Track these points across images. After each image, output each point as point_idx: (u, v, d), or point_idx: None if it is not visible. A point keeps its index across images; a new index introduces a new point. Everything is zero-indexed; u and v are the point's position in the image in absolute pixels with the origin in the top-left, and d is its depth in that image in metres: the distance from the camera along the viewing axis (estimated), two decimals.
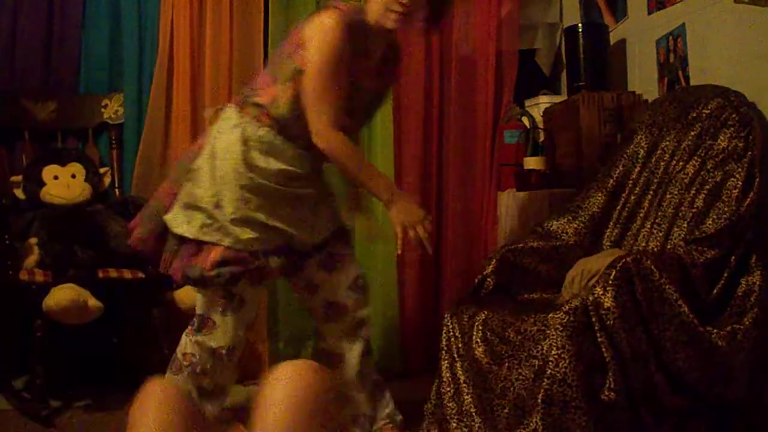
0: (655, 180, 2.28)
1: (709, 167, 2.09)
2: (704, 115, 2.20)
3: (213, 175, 2.03)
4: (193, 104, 3.25)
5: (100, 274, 2.68)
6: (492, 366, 1.87)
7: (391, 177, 3.15)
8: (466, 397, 1.95)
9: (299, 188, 2.10)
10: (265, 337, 3.23)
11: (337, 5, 2.02)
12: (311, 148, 2.07)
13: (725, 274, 1.88)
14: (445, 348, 2.05)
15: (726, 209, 1.94)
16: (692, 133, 2.21)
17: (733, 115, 2.11)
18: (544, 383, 1.68)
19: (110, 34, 3.29)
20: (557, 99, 3.33)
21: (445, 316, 2.09)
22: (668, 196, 2.20)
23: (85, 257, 2.73)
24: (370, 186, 2.07)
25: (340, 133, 2.00)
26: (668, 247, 2.03)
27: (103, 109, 3.25)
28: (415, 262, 3.30)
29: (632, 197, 2.33)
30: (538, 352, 1.74)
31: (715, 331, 1.79)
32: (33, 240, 2.80)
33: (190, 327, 2.16)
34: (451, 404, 1.98)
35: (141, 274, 2.78)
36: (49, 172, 3.02)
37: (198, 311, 2.14)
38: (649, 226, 2.22)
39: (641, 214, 2.28)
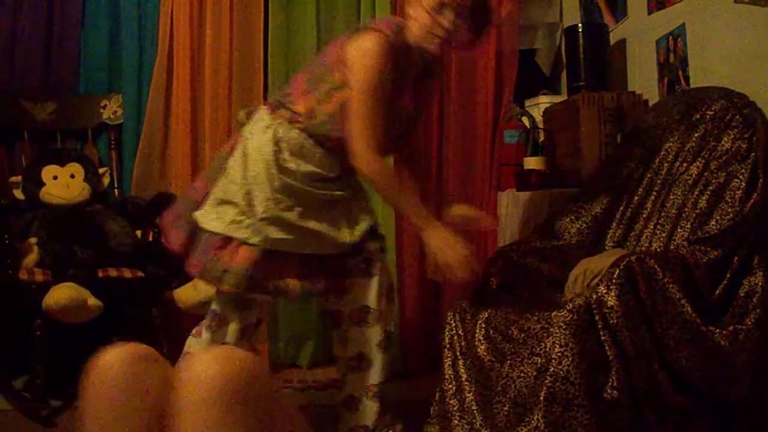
0: (659, 181, 2.28)
1: (712, 168, 2.09)
2: (708, 116, 2.20)
3: (245, 174, 2.04)
4: (193, 104, 3.25)
5: (100, 274, 2.68)
6: (494, 364, 1.87)
7: None
8: (467, 395, 1.95)
9: (330, 190, 2.10)
10: (265, 337, 3.23)
11: (380, 27, 2.01)
12: (341, 153, 2.07)
13: (728, 275, 1.88)
14: (448, 346, 2.05)
15: (729, 210, 1.95)
16: (696, 135, 2.21)
17: (737, 117, 2.12)
18: (547, 381, 1.68)
19: (110, 34, 3.29)
20: (557, 99, 3.33)
21: (448, 314, 2.09)
22: (672, 196, 2.20)
23: (85, 257, 2.73)
24: (408, 214, 2.05)
25: (381, 159, 2.00)
26: (671, 247, 2.03)
27: (102, 110, 3.25)
28: (414, 263, 3.30)
29: (635, 198, 2.33)
30: (541, 349, 1.74)
31: (717, 331, 1.80)
32: (33, 240, 2.79)
33: (198, 327, 2.15)
34: (452, 402, 1.98)
35: (141, 274, 2.78)
36: (48, 172, 3.02)
37: (212, 307, 2.14)
38: (652, 226, 2.22)
39: (644, 215, 2.28)
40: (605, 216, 2.37)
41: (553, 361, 1.69)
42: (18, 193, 3.03)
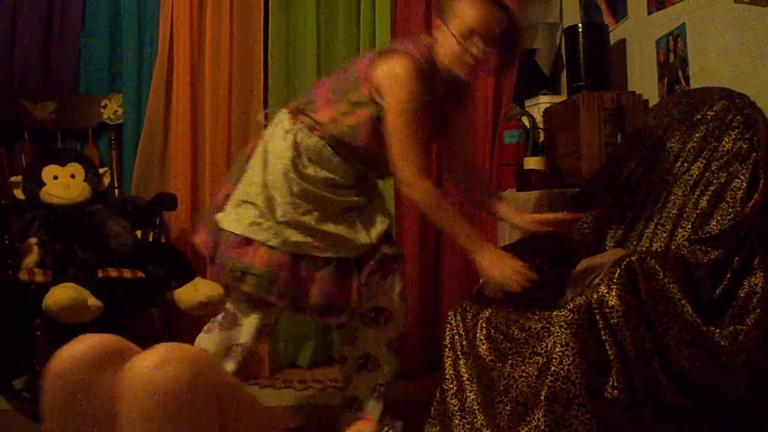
0: (660, 181, 2.28)
1: (713, 169, 2.09)
2: (709, 116, 2.20)
3: (265, 177, 2.05)
4: (193, 104, 3.26)
5: (100, 274, 2.68)
6: (496, 363, 1.86)
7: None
8: (469, 394, 1.94)
9: (346, 196, 2.11)
10: (265, 337, 3.23)
11: (407, 48, 2.01)
12: (358, 162, 2.10)
13: (728, 275, 1.88)
14: (449, 345, 2.05)
15: (730, 210, 1.95)
16: (697, 135, 2.21)
17: (738, 117, 2.12)
18: (548, 380, 1.68)
19: (110, 34, 3.29)
20: (557, 99, 3.33)
21: (449, 314, 2.09)
22: (672, 197, 2.20)
23: (85, 257, 2.73)
24: (457, 236, 2.02)
25: (429, 183, 1.99)
26: (672, 247, 2.02)
27: (102, 110, 3.25)
28: (414, 263, 3.30)
29: (636, 198, 2.33)
30: (542, 349, 1.74)
31: (717, 331, 1.80)
32: (33, 240, 2.79)
33: (210, 324, 2.15)
34: (453, 401, 1.98)
35: (140, 274, 2.77)
36: (48, 172, 3.02)
37: (227, 306, 2.15)
38: (653, 226, 2.22)
39: (645, 215, 2.28)
40: (606, 216, 2.37)
41: (554, 360, 1.69)
42: (18, 193, 3.03)
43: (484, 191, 2.31)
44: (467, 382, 1.96)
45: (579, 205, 2.43)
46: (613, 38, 3.26)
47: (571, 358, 1.68)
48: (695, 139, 2.21)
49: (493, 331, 1.91)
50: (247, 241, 2.03)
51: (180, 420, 1.15)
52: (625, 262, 1.75)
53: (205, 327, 2.18)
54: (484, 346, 1.91)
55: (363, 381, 2.28)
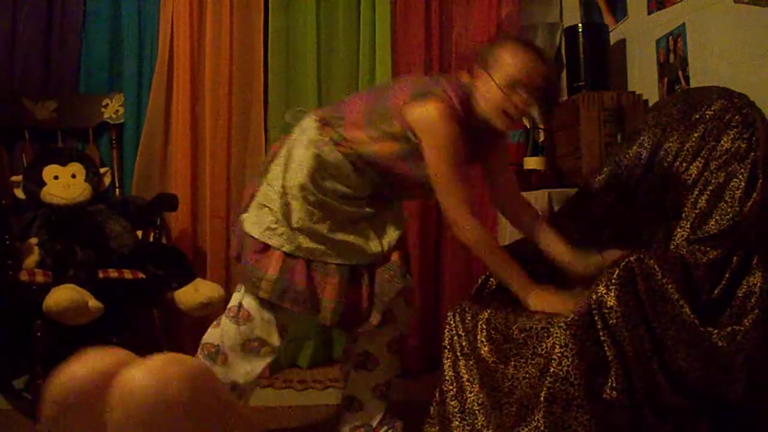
0: (658, 181, 2.28)
1: (712, 168, 2.09)
2: (707, 116, 2.20)
3: (284, 183, 2.05)
4: (193, 104, 3.26)
5: (100, 274, 2.68)
6: (498, 365, 1.86)
7: None
8: (469, 395, 1.94)
9: (360, 207, 2.12)
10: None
11: (445, 90, 1.99)
12: (377, 180, 2.10)
13: (727, 275, 1.88)
14: (448, 347, 2.04)
15: (729, 210, 1.94)
16: (695, 135, 2.21)
17: (736, 117, 2.11)
18: (547, 381, 1.68)
19: (110, 34, 3.29)
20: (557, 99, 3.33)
21: (448, 314, 2.08)
22: (671, 196, 2.20)
23: (85, 257, 2.73)
24: (505, 277, 1.99)
25: (478, 225, 1.98)
26: (671, 247, 2.02)
27: (103, 109, 3.26)
28: (415, 263, 3.30)
29: (635, 198, 2.33)
30: (542, 350, 1.74)
31: (715, 331, 1.80)
32: (33, 240, 2.79)
33: (225, 317, 2.14)
34: (453, 403, 1.98)
35: (141, 274, 2.78)
36: (49, 172, 3.02)
37: (235, 302, 2.13)
38: (651, 226, 2.22)
39: (644, 215, 2.28)
40: (605, 216, 2.37)
41: (553, 361, 1.69)
42: (19, 193, 3.03)
43: (531, 224, 2.24)
44: (467, 383, 1.96)
45: (577, 205, 2.43)
46: (613, 38, 3.26)
47: (570, 359, 1.68)
48: (694, 139, 2.21)
49: (493, 333, 1.91)
50: (265, 246, 2.04)
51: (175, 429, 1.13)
52: (623, 263, 1.75)
53: (215, 321, 2.18)
54: (486, 348, 1.91)
55: (361, 379, 2.29)
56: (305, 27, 3.35)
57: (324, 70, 3.38)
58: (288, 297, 2.02)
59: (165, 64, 3.25)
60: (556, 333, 1.72)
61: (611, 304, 1.71)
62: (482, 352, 1.92)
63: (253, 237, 2.06)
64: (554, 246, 2.15)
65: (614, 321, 1.70)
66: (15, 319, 2.68)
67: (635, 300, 1.73)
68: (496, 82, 1.95)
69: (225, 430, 1.22)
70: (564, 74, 3.56)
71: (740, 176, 1.97)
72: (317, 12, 3.36)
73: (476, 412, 1.91)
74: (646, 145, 2.38)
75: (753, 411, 1.91)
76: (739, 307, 1.85)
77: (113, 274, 2.72)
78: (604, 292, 1.73)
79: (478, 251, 2.00)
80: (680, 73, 2.81)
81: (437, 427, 2.03)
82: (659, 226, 2.20)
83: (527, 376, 1.76)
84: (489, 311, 1.97)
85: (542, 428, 1.67)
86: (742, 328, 1.81)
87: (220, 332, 2.12)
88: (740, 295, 1.87)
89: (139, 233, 3.07)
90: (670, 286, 1.76)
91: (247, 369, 2.10)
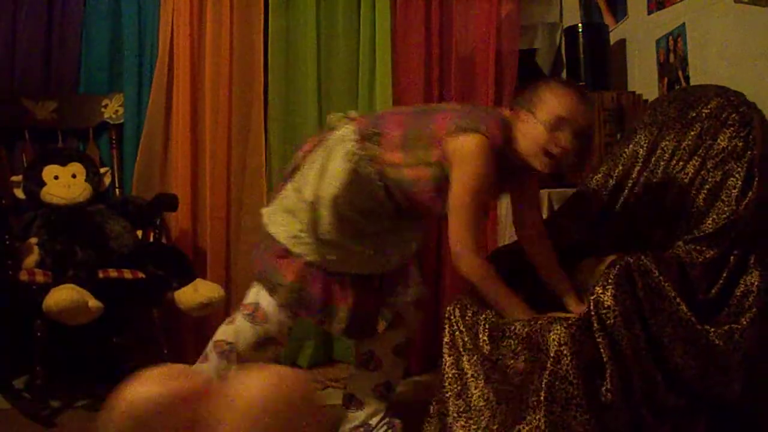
0: (655, 180, 2.28)
1: (709, 167, 2.09)
2: (704, 114, 2.20)
3: (317, 193, 2.04)
4: (193, 104, 3.26)
5: (100, 274, 2.68)
6: (501, 362, 1.86)
7: None
8: (474, 391, 1.93)
9: (382, 222, 2.12)
10: None
11: (491, 129, 1.97)
12: (403, 203, 2.09)
13: (724, 274, 1.88)
14: (450, 343, 2.03)
15: (726, 209, 1.94)
16: (692, 133, 2.21)
17: (733, 115, 2.11)
18: (546, 380, 1.68)
19: (110, 34, 3.29)
20: None
21: (448, 309, 2.07)
22: (668, 195, 2.20)
23: (85, 257, 2.73)
24: (504, 310, 1.97)
25: (483, 260, 1.99)
26: (669, 246, 2.02)
27: (103, 109, 3.25)
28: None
29: (632, 197, 2.33)
30: (543, 347, 1.74)
31: (712, 330, 1.80)
32: (33, 240, 2.79)
33: (239, 314, 2.15)
34: (458, 402, 1.96)
35: (141, 274, 2.77)
36: (49, 172, 3.02)
37: (251, 300, 2.13)
38: (649, 225, 2.22)
39: (641, 214, 2.28)
40: (603, 215, 2.37)
41: (552, 359, 1.69)
42: (19, 193, 3.03)
43: (545, 266, 2.20)
44: (471, 379, 1.95)
45: (573, 204, 2.44)
46: (613, 38, 3.26)
47: (569, 359, 1.68)
48: (690, 137, 2.21)
49: (495, 331, 1.91)
50: (287, 252, 2.05)
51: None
52: (621, 263, 1.76)
53: (228, 318, 2.19)
54: (488, 346, 1.91)
55: (363, 379, 2.29)
56: (305, 27, 3.34)
57: (324, 70, 3.38)
58: (304, 305, 2.04)
59: (165, 64, 3.25)
60: (556, 331, 1.72)
61: (608, 303, 1.71)
62: (485, 349, 1.92)
63: (276, 240, 2.06)
64: (559, 289, 2.14)
65: (611, 321, 1.70)
66: (15, 319, 2.68)
67: (632, 299, 1.73)
68: (538, 118, 1.93)
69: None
70: (564, 74, 3.57)
71: (737, 175, 1.97)
72: (317, 12, 3.36)
73: (482, 408, 1.91)
74: (642, 143, 2.38)
75: (752, 411, 1.91)
76: (736, 306, 1.85)
77: (113, 274, 2.72)
78: (600, 292, 1.73)
79: (477, 284, 1.99)
80: (680, 73, 2.81)
81: (437, 426, 2.03)
82: (657, 225, 2.20)
83: (529, 372, 1.76)
84: (489, 311, 1.97)
85: (543, 428, 1.67)
86: (740, 327, 1.81)
87: (234, 330, 2.12)
88: (738, 294, 1.87)
89: (139, 233, 3.07)
90: (666, 284, 1.76)
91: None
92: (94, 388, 2.85)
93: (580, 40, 3.15)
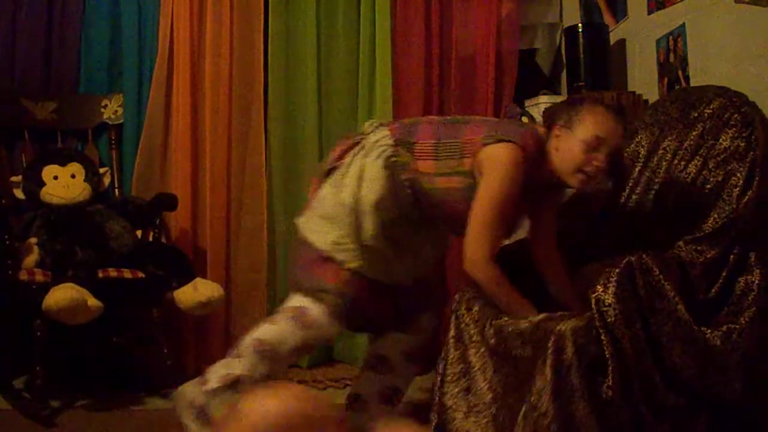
0: (657, 180, 2.28)
1: (710, 167, 2.09)
2: (706, 114, 2.20)
3: (357, 199, 2.03)
4: (193, 104, 3.25)
5: (100, 274, 2.68)
6: (507, 353, 1.87)
7: None
8: (482, 384, 1.94)
9: (415, 229, 2.12)
10: None
11: (526, 141, 1.97)
12: (428, 211, 2.10)
13: (724, 273, 1.89)
14: (456, 337, 2.04)
15: (727, 208, 1.95)
16: (694, 133, 2.21)
17: (735, 115, 2.12)
18: (552, 369, 1.70)
19: (110, 34, 3.29)
20: (557, 99, 3.33)
21: (454, 304, 2.07)
22: (670, 195, 2.20)
23: (85, 257, 2.73)
24: (514, 315, 1.97)
25: (496, 268, 1.98)
26: (669, 246, 2.03)
27: (102, 110, 3.25)
28: None
29: (633, 197, 2.33)
30: (549, 338, 1.75)
31: (709, 331, 1.80)
32: (33, 240, 2.79)
33: (283, 317, 2.11)
34: (469, 397, 1.97)
35: (141, 274, 2.77)
36: (48, 172, 3.02)
37: (296, 304, 2.10)
38: (650, 225, 2.23)
39: (643, 214, 2.28)
40: (604, 215, 2.37)
41: (557, 351, 1.70)
42: (18, 193, 3.03)
43: (561, 289, 2.20)
44: (479, 372, 1.96)
45: (577, 205, 2.44)
46: (613, 38, 3.26)
47: (573, 349, 1.69)
48: (692, 137, 2.21)
49: (503, 325, 1.91)
50: (328, 258, 2.04)
51: None
52: (624, 262, 1.76)
53: (270, 318, 2.15)
54: (493, 341, 1.91)
55: (371, 381, 2.28)
56: (305, 27, 3.34)
57: (324, 70, 3.38)
58: (347, 314, 2.03)
59: (165, 64, 3.24)
60: (562, 324, 1.73)
61: (609, 301, 1.72)
62: (491, 341, 1.92)
63: (315, 247, 2.05)
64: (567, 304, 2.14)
65: (612, 319, 1.71)
66: (15, 319, 2.68)
67: (633, 298, 1.74)
68: (577, 136, 1.95)
69: None
70: (564, 74, 3.57)
71: (738, 174, 1.98)
72: (317, 12, 3.36)
73: (490, 401, 1.91)
74: (644, 143, 2.38)
75: (751, 410, 1.91)
76: (736, 305, 1.86)
77: (113, 273, 2.72)
78: (602, 290, 1.74)
79: (491, 291, 1.99)
80: (680, 73, 2.81)
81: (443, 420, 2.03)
82: (658, 225, 2.20)
83: (535, 362, 1.77)
84: (495, 308, 1.98)
85: (550, 414, 1.67)
86: (738, 326, 1.81)
87: (277, 332, 2.08)
88: (738, 292, 1.87)
89: (139, 233, 3.07)
90: (666, 283, 1.76)
91: (285, 369, 2.10)
92: (94, 388, 2.85)
93: (580, 40, 3.15)
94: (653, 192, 2.28)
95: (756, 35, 2.45)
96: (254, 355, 2.06)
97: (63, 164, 3.05)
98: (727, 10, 2.56)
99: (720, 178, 2.02)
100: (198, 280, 2.83)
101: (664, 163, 2.27)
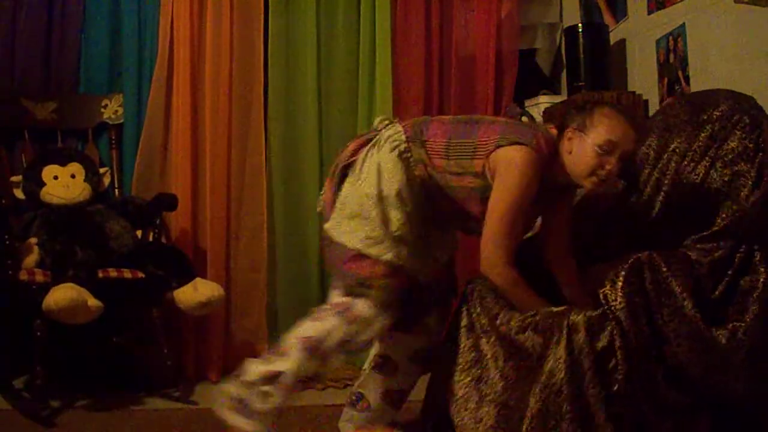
0: (666, 181, 2.28)
1: (718, 167, 2.10)
2: (715, 116, 2.21)
3: (380, 191, 2.03)
4: (193, 104, 3.25)
5: (100, 274, 2.68)
6: (518, 340, 1.87)
7: None
8: (494, 372, 1.95)
9: (426, 222, 2.12)
10: (265, 337, 3.23)
11: (539, 144, 1.97)
12: (438, 205, 2.10)
13: (730, 272, 1.89)
14: (468, 326, 2.04)
15: (734, 207, 1.96)
16: (703, 135, 2.21)
17: (744, 118, 2.12)
18: (565, 352, 1.72)
19: (110, 34, 3.29)
20: (557, 99, 3.34)
21: (465, 293, 2.09)
22: (678, 196, 2.21)
23: (85, 257, 2.73)
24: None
25: (510, 269, 1.98)
26: (677, 246, 2.03)
27: (103, 109, 3.25)
28: None
29: (642, 198, 2.34)
30: (560, 326, 1.77)
31: (715, 329, 1.80)
32: (33, 240, 2.79)
33: (330, 312, 2.10)
34: (483, 388, 1.97)
35: (141, 274, 2.77)
36: (49, 172, 3.02)
37: (341, 300, 2.09)
38: (659, 226, 2.23)
39: (651, 215, 2.29)
40: (611, 216, 2.37)
41: (568, 336, 1.73)
42: (18, 193, 3.03)
43: (567, 289, 2.20)
44: (492, 360, 1.97)
45: (582, 205, 2.44)
46: (613, 38, 3.26)
47: (583, 339, 1.72)
48: (701, 139, 2.21)
49: (516, 313, 1.93)
50: (362, 255, 2.03)
51: None
52: (632, 259, 1.77)
53: (315, 315, 2.13)
54: (505, 327, 1.92)
55: (376, 381, 2.27)
56: (305, 27, 3.35)
57: (324, 70, 3.38)
58: (392, 305, 2.04)
59: (165, 64, 3.24)
60: (573, 317, 1.76)
61: (617, 296, 1.73)
62: (502, 329, 1.92)
63: (348, 247, 2.04)
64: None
65: (619, 314, 1.73)
66: (15, 319, 2.68)
67: (641, 295, 1.76)
68: (590, 141, 1.95)
69: None
70: (564, 74, 3.57)
71: (747, 175, 1.99)
72: (317, 12, 3.36)
73: (502, 388, 1.92)
74: (653, 145, 2.38)
75: (754, 410, 1.91)
76: (741, 304, 1.86)
77: (113, 273, 2.72)
78: (609, 286, 1.76)
79: (508, 292, 2.00)
80: (680, 73, 2.81)
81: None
82: (666, 226, 2.20)
83: (546, 346, 1.78)
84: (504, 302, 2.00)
85: (564, 394, 1.69)
86: (743, 324, 1.81)
87: (324, 328, 2.06)
88: (743, 291, 1.88)
89: (139, 233, 3.07)
90: (674, 280, 1.77)
91: (331, 367, 2.09)
92: (94, 388, 2.86)
93: (580, 40, 3.16)
94: (662, 193, 2.28)
95: (756, 35, 2.45)
96: (301, 352, 2.04)
97: (63, 164, 3.05)
98: (726, 10, 2.56)
99: (727, 179, 2.03)
100: (198, 280, 2.83)
101: (672, 165, 2.27)
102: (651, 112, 2.92)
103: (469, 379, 2.02)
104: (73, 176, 3.05)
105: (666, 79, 2.91)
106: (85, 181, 3.06)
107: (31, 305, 2.49)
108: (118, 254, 2.88)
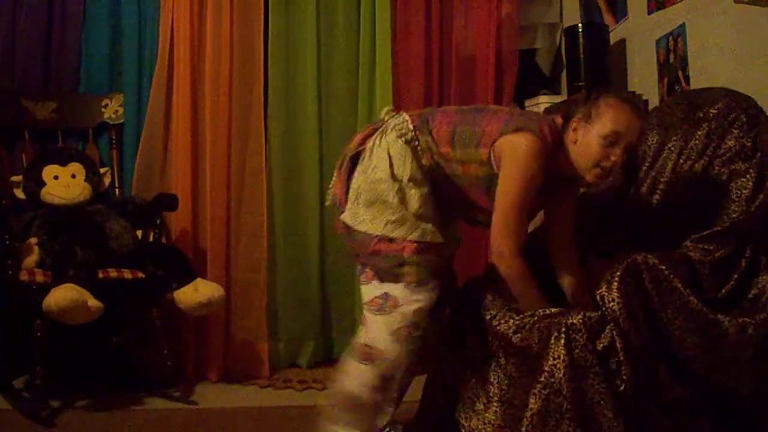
0: (663, 179, 2.28)
1: (716, 165, 2.10)
2: (711, 114, 2.20)
3: (393, 173, 2.03)
4: (193, 104, 3.25)
5: (100, 274, 2.68)
6: (519, 338, 1.88)
7: None
8: (499, 371, 1.96)
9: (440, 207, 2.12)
10: (265, 337, 3.23)
11: (544, 132, 1.97)
12: (443, 191, 2.10)
13: (735, 275, 1.89)
14: (467, 327, 2.05)
15: (735, 209, 1.96)
16: (699, 133, 2.21)
17: (741, 116, 2.12)
18: (565, 352, 1.72)
19: (110, 34, 3.29)
20: (557, 99, 3.34)
21: (463, 290, 2.11)
22: (676, 194, 2.21)
23: (85, 257, 2.73)
24: (530, 308, 1.98)
25: (522, 262, 1.97)
26: (676, 246, 2.03)
27: (103, 109, 3.25)
28: None
29: (639, 196, 2.34)
30: (562, 332, 1.77)
31: (726, 319, 1.79)
32: (33, 240, 2.79)
33: (367, 312, 2.08)
34: (487, 387, 1.98)
35: (141, 274, 2.78)
36: (49, 172, 3.02)
37: (375, 293, 2.06)
38: (657, 224, 2.23)
39: (649, 213, 2.29)
40: (610, 214, 2.37)
41: (567, 335, 1.74)
42: (19, 193, 3.03)
43: (568, 283, 2.19)
44: (494, 359, 1.97)
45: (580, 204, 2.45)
46: (613, 38, 3.26)
47: (583, 339, 1.72)
48: (698, 137, 2.21)
49: (515, 316, 1.93)
50: (389, 239, 2.01)
51: None
52: (628, 260, 1.77)
53: (361, 320, 2.13)
54: (504, 325, 1.93)
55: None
56: (305, 26, 3.35)
57: (324, 69, 3.38)
58: (433, 277, 2.02)
59: (165, 64, 3.24)
60: (573, 314, 1.77)
61: (613, 297, 1.73)
62: (500, 329, 1.92)
63: (372, 235, 2.02)
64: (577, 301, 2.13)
65: (617, 314, 1.73)
66: (15, 319, 2.68)
67: (638, 295, 1.76)
68: (595, 131, 1.94)
69: None
70: (564, 74, 3.57)
71: (747, 176, 1.98)
72: (317, 12, 3.36)
73: (505, 386, 1.93)
74: (650, 143, 2.39)
75: (755, 410, 1.91)
76: (750, 306, 1.86)
77: (113, 273, 2.72)
78: (605, 288, 1.76)
79: (514, 283, 1.99)
80: (680, 73, 2.81)
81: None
82: (664, 224, 2.20)
83: (547, 344, 1.78)
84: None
85: (565, 391, 1.70)
86: (754, 322, 1.81)
87: (367, 330, 2.07)
88: (750, 296, 1.88)
89: (139, 233, 3.07)
90: (675, 278, 1.77)
91: (401, 360, 2.05)
92: (94, 388, 2.86)
93: (580, 40, 3.15)
94: (659, 191, 2.28)
95: (756, 35, 2.45)
96: (361, 363, 2.06)
97: (63, 164, 3.05)
98: (726, 10, 2.56)
99: (725, 177, 2.03)
100: (198, 280, 2.84)
101: (669, 163, 2.27)
102: None
103: (474, 380, 2.02)
104: (73, 176, 3.05)
105: (666, 79, 2.91)
106: (85, 181, 3.06)
107: (31, 305, 2.49)
108: (119, 254, 2.88)
